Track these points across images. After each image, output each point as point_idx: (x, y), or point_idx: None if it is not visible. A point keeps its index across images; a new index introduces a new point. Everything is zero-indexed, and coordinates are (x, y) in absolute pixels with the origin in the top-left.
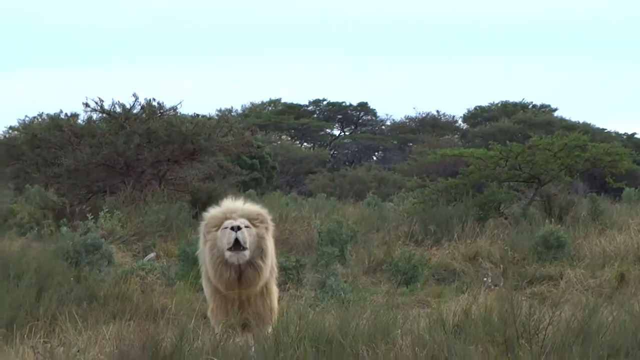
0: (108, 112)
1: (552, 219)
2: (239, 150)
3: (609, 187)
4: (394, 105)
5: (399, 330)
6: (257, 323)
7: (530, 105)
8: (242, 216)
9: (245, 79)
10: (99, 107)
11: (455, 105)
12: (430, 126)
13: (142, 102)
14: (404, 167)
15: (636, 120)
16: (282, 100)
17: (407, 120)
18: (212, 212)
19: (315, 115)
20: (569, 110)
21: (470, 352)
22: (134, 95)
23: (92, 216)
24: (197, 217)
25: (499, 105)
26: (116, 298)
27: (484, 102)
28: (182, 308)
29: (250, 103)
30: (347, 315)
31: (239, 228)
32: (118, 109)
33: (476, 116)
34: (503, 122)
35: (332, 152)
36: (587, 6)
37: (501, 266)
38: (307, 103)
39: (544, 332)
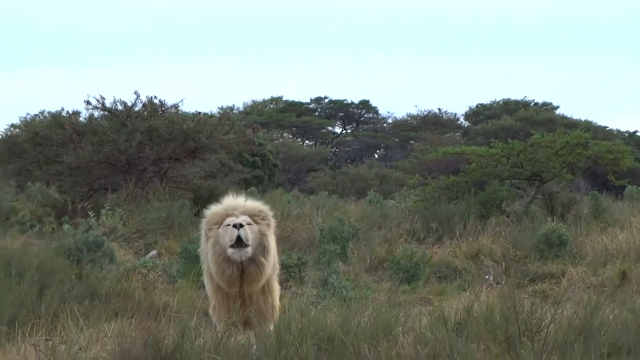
0: (110, 110)
1: (554, 217)
2: (241, 148)
3: (610, 185)
4: (395, 103)
5: (401, 328)
6: (258, 321)
7: (532, 103)
8: (243, 213)
9: (247, 76)
10: (100, 105)
11: (457, 103)
12: (432, 124)
13: (144, 99)
14: (405, 164)
15: (638, 118)
16: (284, 98)
17: (408, 118)
18: (214, 209)
19: (317, 113)
20: (571, 108)
21: (472, 350)
22: (136, 93)
23: (94, 214)
24: (198, 214)
25: (501, 103)
26: (118, 296)
27: (486, 100)
28: (184, 306)
29: (252, 101)
30: (349, 313)
31: (241, 226)
32: (120, 107)
33: (478, 114)
34: (505, 120)
35: (333, 150)
36: (589, 4)
37: (503, 264)
38: (308, 101)
39: (545, 330)
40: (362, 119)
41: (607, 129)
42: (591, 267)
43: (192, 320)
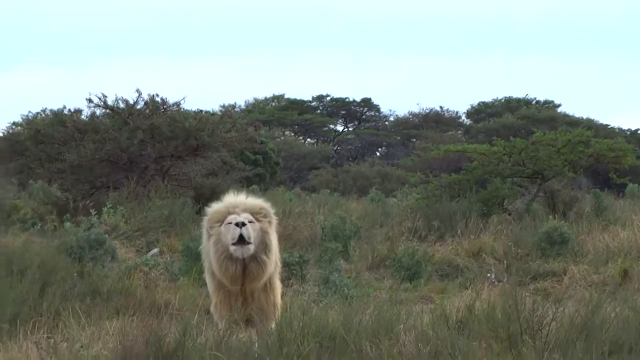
0: (111, 108)
1: (556, 215)
2: (243, 146)
3: (612, 183)
4: (397, 101)
5: (402, 326)
6: (260, 318)
7: (534, 101)
8: (245, 210)
9: (249, 75)
10: (102, 103)
11: (458, 101)
12: (434, 122)
13: (146, 97)
14: (407, 162)
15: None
16: (286, 96)
17: (410, 116)
18: (215, 207)
19: (318, 111)
20: (573, 106)
21: (474, 348)
22: (138, 91)
23: (96, 212)
24: (200, 212)
25: (503, 101)
26: (119, 294)
27: (488, 98)
28: (186, 303)
29: (254, 99)
30: (351, 311)
31: (243, 224)
32: (121, 105)
33: (480, 112)
34: (506, 118)
35: (335, 148)
36: (590, 3)
37: (505, 262)
38: (310, 99)
39: (547, 328)
40: (364, 117)
41: (609, 127)
42: (593, 265)
43: (194, 318)
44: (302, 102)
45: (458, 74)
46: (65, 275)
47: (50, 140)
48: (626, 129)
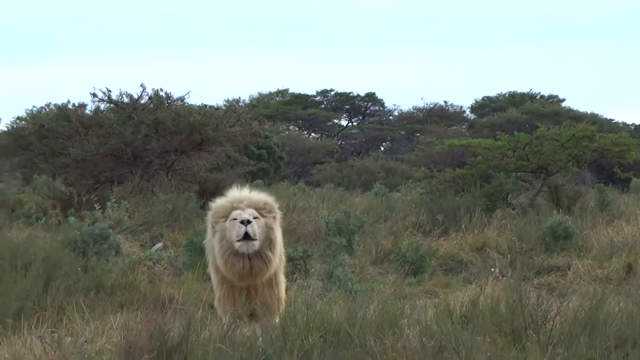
0: (116, 103)
1: (560, 210)
2: (247, 140)
3: (616, 177)
4: (401, 95)
5: (406, 321)
6: (264, 313)
7: (538, 96)
8: (249, 206)
9: (253, 69)
10: (106, 98)
11: (463, 96)
12: (438, 117)
13: (150, 92)
14: (411, 157)
15: None
16: (290, 91)
17: (414, 111)
18: (219, 202)
19: (322, 106)
20: (577, 100)
21: (478, 343)
22: (142, 85)
23: (100, 206)
24: (204, 207)
25: (507, 95)
26: (124, 288)
27: (492, 93)
28: (190, 298)
29: (258, 93)
30: (355, 306)
31: (248, 222)
32: (126, 100)
33: (484, 107)
34: (511, 113)
35: (339, 143)
36: None
37: (509, 257)
38: (314, 93)
39: (551, 323)
40: (368, 111)
41: (613, 121)
42: (597, 260)
43: (198, 312)
44: (306, 96)
45: (462, 68)
46: (69, 270)
47: (54, 135)
48: (630, 123)
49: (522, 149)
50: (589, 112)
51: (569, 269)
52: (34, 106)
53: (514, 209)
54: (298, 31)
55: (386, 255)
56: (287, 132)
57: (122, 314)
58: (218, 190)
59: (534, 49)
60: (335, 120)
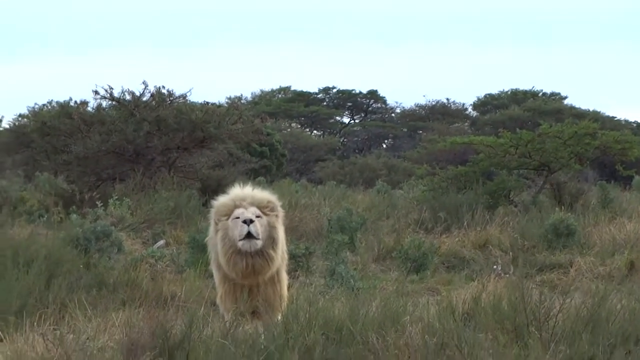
0: (118, 100)
1: (562, 207)
2: (249, 137)
3: (618, 175)
4: (403, 93)
5: (409, 318)
6: (266, 310)
7: (540, 93)
8: (252, 204)
9: (255, 66)
10: (108, 95)
11: (465, 93)
12: (440, 114)
13: (152, 89)
14: (413, 154)
15: None
16: (292, 88)
17: (417, 108)
18: (222, 199)
19: (325, 103)
20: (579, 98)
21: (480, 340)
22: (144, 82)
23: (102, 203)
24: (206, 204)
25: (509, 93)
26: (126, 285)
27: (494, 90)
28: (192, 295)
29: (260, 91)
30: (357, 303)
31: (251, 221)
32: (128, 97)
33: (486, 104)
34: (513, 110)
35: (342, 140)
36: None
37: (511, 254)
38: (316, 91)
39: (553, 320)
40: (370, 109)
41: (616, 119)
42: (599, 257)
43: (200, 309)
44: (309, 94)
45: (464, 66)
46: (72, 267)
47: (56, 132)
48: (633, 121)
49: (525, 146)
50: (591, 109)
51: (571, 267)
52: (35, 103)
53: (516, 206)
54: (300, 29)
55: (388, 252)
56: (289, 130)
57: (124, 311)
58: (220, 187)
59: (537, 47)
60: (337, 118)
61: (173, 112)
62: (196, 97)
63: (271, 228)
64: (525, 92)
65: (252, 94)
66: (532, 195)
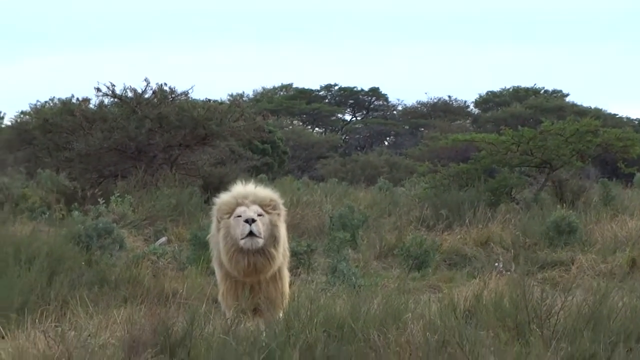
0: (120, 97)
1: (564, 204)
2: (251, 135)
3: (620, 172)
4: (405, 90)
5: (410, 315)
6: (268, 307)
7: (542, 91)
8: (254, 202)
9: (257, 64)
10: (110, 92)
11: (467, 91)
12: (442, 111)
13: (154, 86)
14: (415, 152)
15: None
16: (294, 85)
17: (418, 106)
18: (224, 197)
19: (326, 100)
20: (581, 95)
21: (481, 337)
22: (146, 80)
23: (104, 200)
24: (208, 201)
25: (511, 90)
26: (127, 282)
27: (496, 88)
28: (193, 292)
29: (262, 88)
30: (358, 300)
31: (253, 220)
32: (130, 94)
33: (488, 101)
34: (515, 108)
35: (343, 137)
36: None
37: (512, 251)
38: (318, 88)
39: (555, 317)
40: (372, 106)
41: (617, 116)
42: (600, 255)
43: (202, 306)
44: (310, 91)
45: (466, 63)
46: (73, 264)
47: (58, 129)
48: (634, 118)
49: (526, 143)
50: (592, 106)
51: (572, 264)
52: (37, 100)
53: (517, 203)
54: (302, 26)
55: (390, 249)
56: (291, 127)
57: (125, 308)
58: (222, 184)
59: (538, 44)
60: (339, 115)
61: (175, 109)
62: (198, 95)
63: (273, 226)
64: (527, 90)
65: (254, 91)
66: (534, 193)
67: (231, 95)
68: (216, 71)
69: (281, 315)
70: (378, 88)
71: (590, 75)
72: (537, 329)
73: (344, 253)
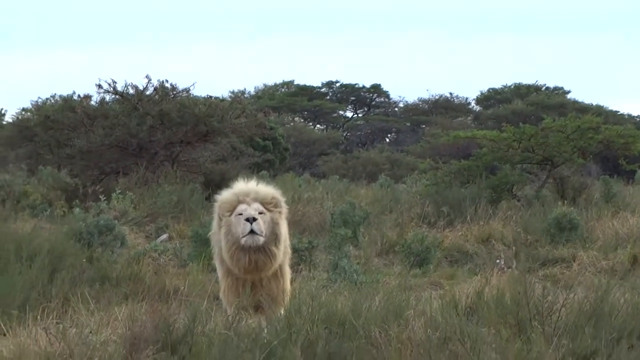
0: (121, 94)
1: (565, 201)
2: (252, 131)
3: (621, 169)
4: (406, 87)
5: (412, 312)
6: (269, 304)
7: (544, 88)
8: (255, 199)
9: (259, 60)
10: (111, 89)
11: (468, 87)
12: (443, 108)
13: (155, 83)
14: (416, 149)
15: None
16: (295, 82)
17: (420, 102)
18: (225, 194)
19: (328, 97)
20: (582, 92)
21: (483, 334)
22: (147, 76)
23: (105, 197)
24: (209, 198)
25: (512, 87)
26: (129, 279)
27: (497, 84)
28: (195, 289)
29: (264, 85)
30: (360, 297)
31: (254, 219)
32: (131, 91)
33: (489, 98)
34: (516, 104)
35: (345, 134)
36: None
37: (514, 248)
38: (320, 85)
39: (556, 314)
40: (373, 103)
41: (619, 113)
42: (602, 252)
43: (203, 303)
44: (312, 88)
45: (468, 60)
46: (75, 261)
47: (59, 126)
48: (636, 115)
49: (528, 140)
50: (594, 103)
51: (574, 261)
52: (39, 97)
53: (519, 200)
54: (303, 22)
55: (391, 246)
56: (292, 124)
57: (127, 305)
58: (223, 181)
59: (540, 41)
60: (340, 112)
61: (176, 106)
62: (199, 91)
63: (274, 224)
64: (528, 87)
65: (255, 88)
66: (535, 190)
67: (232, 92)
68: (217, 68)
69: (282, 312)
70: (379, 85)
71: (592, 72)
72: (538, 326)
73: (345, 250)
